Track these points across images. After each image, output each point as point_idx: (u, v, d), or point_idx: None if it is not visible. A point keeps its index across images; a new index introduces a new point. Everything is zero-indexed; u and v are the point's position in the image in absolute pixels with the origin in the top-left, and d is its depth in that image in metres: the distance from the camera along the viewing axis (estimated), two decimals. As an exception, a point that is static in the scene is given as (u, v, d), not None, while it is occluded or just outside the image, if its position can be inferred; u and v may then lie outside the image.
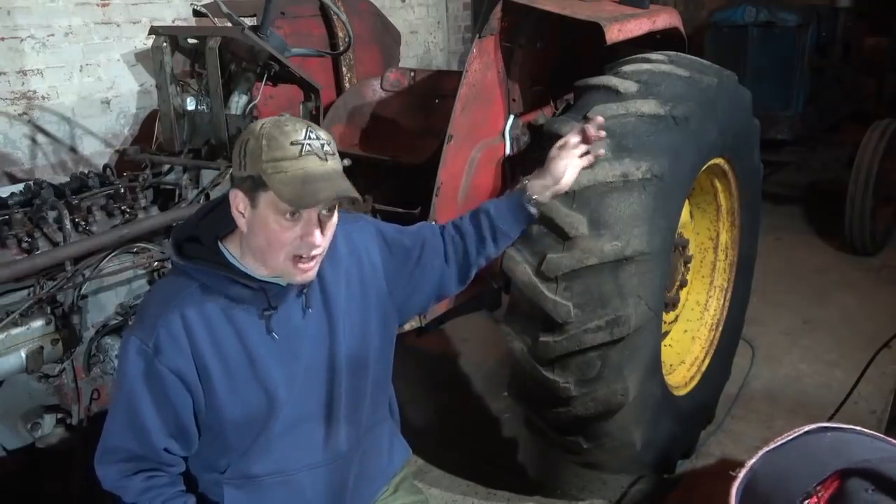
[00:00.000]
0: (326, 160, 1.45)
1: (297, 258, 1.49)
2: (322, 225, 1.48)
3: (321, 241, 1.48)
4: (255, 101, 2.71)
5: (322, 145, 1.46)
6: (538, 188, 1.89)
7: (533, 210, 1.89)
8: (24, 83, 3.52)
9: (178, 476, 1.64)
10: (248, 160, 1.44)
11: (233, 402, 1.55)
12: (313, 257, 1.50)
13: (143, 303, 1.70)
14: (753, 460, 1.65)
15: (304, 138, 1.43)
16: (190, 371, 1.51)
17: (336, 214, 1.53)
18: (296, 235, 1.46)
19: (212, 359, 1.52)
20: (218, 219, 1.59)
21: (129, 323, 2.32)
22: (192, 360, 1.51)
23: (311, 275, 1.54)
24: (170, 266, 2.28)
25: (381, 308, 1.76)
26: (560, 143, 1.91)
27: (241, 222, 1.50)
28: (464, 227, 1.89)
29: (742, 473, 1.63)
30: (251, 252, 1.54)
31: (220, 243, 1.58)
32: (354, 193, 1.46)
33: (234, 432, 1.58)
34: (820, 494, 1.46)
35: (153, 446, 1.55)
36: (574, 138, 1.90)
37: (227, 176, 2.45)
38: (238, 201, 1.49)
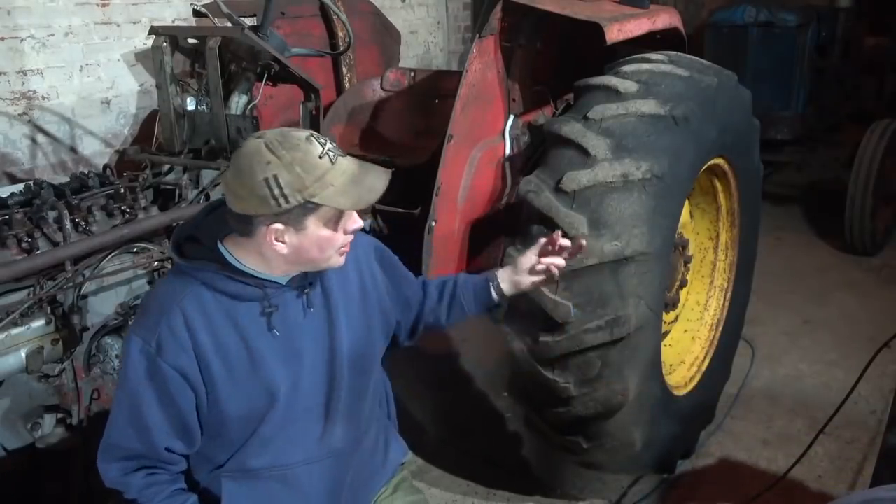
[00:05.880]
0: (346, 155, 1.52)
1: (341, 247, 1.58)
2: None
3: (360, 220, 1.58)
4: (255, 101, 2.72)
5: (335, 145, 1.51)
6: (505, 276, 1.93)
7: (494, 296, 1.92)
8: (24, 83, 3.52)
9: (179, 474, 1.65)
10: (290, 192, 1.43)
11: (234, 397, 1.56)
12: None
13: (143, 302, 1.72)
14: None
15: (324, 149, 1.47)
16: (192, 368, 1.52)
17: None
18: (342, 232, 1.55)
19: (213, 355, 1.53)
20: (219, 219, 1.58)
21: (130, 323, 2.32)
22: (194, 357, 1.52)
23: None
24: (170, 266, 2.29)
25: (383, 314, 1.81)
26: (540, 242, 1.90)
27: (281, 248, 1.50)
28: (429, 288, 1.94)
29: None
30: (288, 264, 1.56)
31: (220, 244, 1.59)
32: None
33: (235, 427, 1.60)
34: None
35: (155, 445, 1.56)
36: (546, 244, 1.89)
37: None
38: (277, 234, 1.48)
